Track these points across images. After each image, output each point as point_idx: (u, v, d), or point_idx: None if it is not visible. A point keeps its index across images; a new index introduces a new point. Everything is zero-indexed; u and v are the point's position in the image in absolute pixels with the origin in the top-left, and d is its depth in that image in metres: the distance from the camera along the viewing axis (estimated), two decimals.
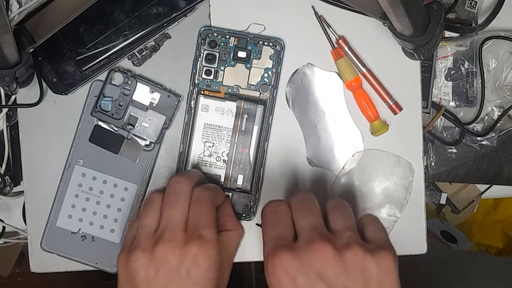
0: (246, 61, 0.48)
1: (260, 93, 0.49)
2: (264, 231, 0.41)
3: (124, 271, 0.40)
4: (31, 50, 0.42)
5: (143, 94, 0.48)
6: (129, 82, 0.48)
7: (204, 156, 0.49)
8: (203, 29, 0.48)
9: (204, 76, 0.48)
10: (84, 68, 0.47)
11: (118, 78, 0.48)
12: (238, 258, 0.50)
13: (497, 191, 0.65)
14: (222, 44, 0.48)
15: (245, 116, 0.48)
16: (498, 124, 0.58)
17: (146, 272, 0.38)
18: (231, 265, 0.43)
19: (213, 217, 0.41)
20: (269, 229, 0.40)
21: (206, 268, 0.38)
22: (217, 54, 0.48)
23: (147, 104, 0.48)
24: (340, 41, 0.49)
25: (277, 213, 0.41)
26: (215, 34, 0.48)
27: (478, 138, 0.59)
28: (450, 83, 0.58)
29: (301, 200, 0.41)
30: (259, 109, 0.48)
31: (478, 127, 0.59)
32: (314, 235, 0.37)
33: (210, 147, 0.49)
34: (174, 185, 0.42)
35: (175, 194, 0.41)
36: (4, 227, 0.58)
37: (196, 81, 0.48)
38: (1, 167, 0.51)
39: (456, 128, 0.59)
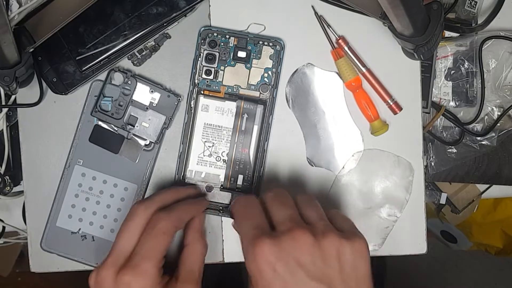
0: (246, 61, 0.48)
1: (260, 93, 0.49)
2: (240, 225, 0.42)
3: None
4: (31, 50, 0.42)
5: (143, 94, 0.48)
6: (129, 82, 0.48)
7: (204, 156, 0.49)
8: (203, 29, 0.48)
9: (204, 76, 0.48)
10: (84, 68, 0.47)
11: (118, 78, 0.48)
12: (238, 258, 0.50)
13: (497, 191, 0.65)
14: (222, 44, 0.48)
15: (245, 116, 0.48)
16: (498, 124, 0.58)
17: None
18: (196, 281, 0.44)
19: (159, 250, 0.41)
20: (245, 221, 0.41)
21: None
22: (217, 54, 0.48)
23: (147, 104, 0.48)
24: (340, 41, 0.49)
25: (250, 206, 0.42)
26: (215, 34, 0.48)
27: (478, 138, 0.59)
28: (450, 83, 0.58)
29: (275, 195, 0.42)
30: (259, 109, 0.48)
31: (478, 127, 0.59)
32: (292, 225, 0.38)
33: (210, 147, 0.49)
34: (129, 212, 0.43)
35: (125, 221, 0.42)
36: (4, 227, 0.58)
37: (196, 81, 0.48)
38: (1, 167, 0.51)
39: (456, 128, 0.59)
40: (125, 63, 0.49)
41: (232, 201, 0.48)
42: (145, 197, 0.49)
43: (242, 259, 0.50)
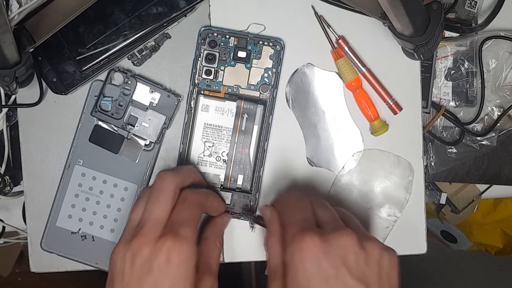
0: (246, 61, 0.48)
1: (260, 93, 0.49)
2: (290, 214, 0.42)
3: (109, 263, 0.41)
4: (31, 50, 0.42)
5: (143, 94, 0.48)
6: (129, 82, 0.48)
7: (204, 156, 0.49)
8: (203, 29, 0.48)
9: (204, 76, 0.48)
10: (84, 68, 0.47)
11: (118, 78, 0.48)
12: (238, 258, 0.50)
13: (497, 191, 0.65)
14: (222, 44, 0.48)
15: (245, 116, 0.48)
16: (498, 124, 0.58)
17: (122, 264, 0.39)
18: (215, 274, 0.43)
19: (195, 218, 0.42)
20: (296, 213, 0.42)
21: (178, 265, 0.38)
22: (217, 54, 0.48)
23: (147, 104, 0.48)
24: (340, 41, 0.49)
25: (303, 201, 0.43)
26: (215, 34, 0.48)
27: (478, 138, 0.59)
28: (450, 83, 0.58)
29: (318, 198, 0.44)
30: (259, 109, 0.48)
31: (478, 127, 0.59)
32: (338, 225, 0.40)
33: (210, 147, 0.49)
34: (158, 181, 0.42)
35: (157, 190, 0.42)
36: (4, 227, 0.58)
37: (196, 81, 0.48)
38: (1, 167, 0.51)
39: (456, 128, 0.59)
40: (125, 63, 0.49)
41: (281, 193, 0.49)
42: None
43: (242, 259, 0.50)
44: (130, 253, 0.39)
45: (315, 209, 0.42)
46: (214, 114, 0.48)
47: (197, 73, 0.48)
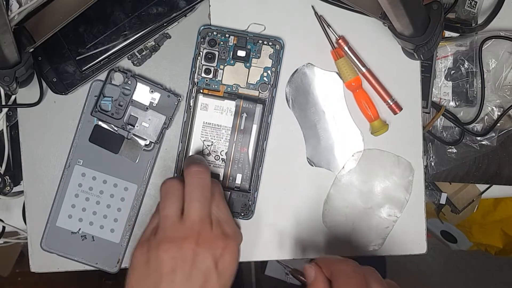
0: (246, 60, 0.48)
1: (260, 92, 0.49)
2: (341, 284, 0.40)
3: (146, 263, 0.40)
4: (31, 50, 0.43)
5: (143, 94, 0.48)
6: (129, 82, 0.48)
7: (203, 155, 0.49)
8: (202, 27, 0.48)
9: (203, 75, 0.48)
10: (84, 68, 0.47)
11: (118, 78, 0.48)
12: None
13: (497, 191, 0.65)
14: (221, 43, 0.48)
15: (244, 115, 0.48)
16: (498, 124, 0.58)
17: (174, 263, 0.39)
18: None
19: (230, 212, 0.44)
20: (350, 285, 0.39)
21: (231, 262, 0.40)
22: (216, 53, 0.48)
23: (147, 104, 0.48)
24: (340, 41, 0.49)
25: (359, 274, 0.40)
26: (214, 33, 0.48)
27: (478, 138, 0.59)
28: (450, 83, 0.58)
29: (372, 270, 0.42)
30: (258, 108, 0.48)
31: (478, 127, 0.59)
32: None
33: (209, 146, 0.49)
34: (197, 176, 0.42)
35: (199, 187, 0.41)
36: (4, 227, 0.58)
37: (196, 80, 0.48)
38: (1, 167, 0.51)
39: (456, 128, 0.59)
40: (125, 63, 0.49)
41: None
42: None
43: (242, 259, 0.50)
44: (183, 252, 0.39)
45: (369, 283, 0.39)
46: (213, 113, 0.48)
47: (197, 72, 0.48)
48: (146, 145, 0.49)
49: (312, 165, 0.50)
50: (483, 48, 0.56)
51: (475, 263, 1.37)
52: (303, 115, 0.50)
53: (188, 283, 0.39)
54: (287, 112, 0.50)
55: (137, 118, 0.48)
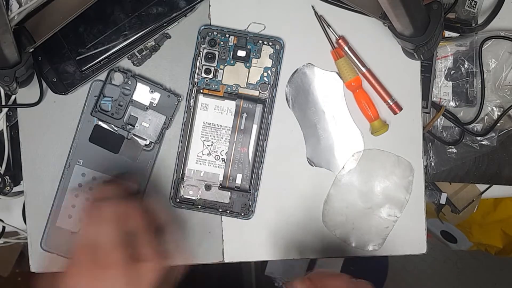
0: (246, 60, 0.48)
1: (260, 92, 0.49)
2: None
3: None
4: (31, 50, 0.43)
5: (143, 94, 0.48)
6: (129, 82, 0.48)
7: (203, 155, 0.49)
8: (202, 27, 0.48)
9: (203, 75, 0.48)
10: (84, 68, 0.47)
11: (118, 78, 0.48)
12: (238, 258, 0.50)
13: (497, 191, 0.65)
14: (221, 43, 0.48)
15: (244, 115, 0.48)
16: (498, 124, 0.58)
17: None
18: None
19: (148, 231, 0.41)
20: None
21: None
22: (216, 53, 0.48)
23: (147, 104, 0.48)
24: (340, 41, 0.49)
25: None
26: (214, 33, 0.48)
27: (478, 138, 0.59)
28: (450, 83, 0.58)
29: (363, 282, 0.43)
30: (258, 108, 0.48)
31: (478, 127, 0.59)
32: None
33: (209, 146, 0.49)
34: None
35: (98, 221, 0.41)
36: (4, 227, 0.58)
37: (196, 80, 0.48)
38: (1, 167, 0.51)
39: (456, 128, 0.59)
40: (125, 63, 0.49)
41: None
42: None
43: (242, 259, 0.50)
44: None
45: None
46: (213, 113, 0.48)
47: (197, 72, 0.48)
48: (146, 145, 0.49)
49: (312, 165, 0.50)
50: (483, 48, 0.56)
51: (475, 263, 1.37)
52: (303, 115, 0.50)
53: None
54: (287, 112, 0.50)
55: (137, 118, 0.48)
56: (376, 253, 0.51)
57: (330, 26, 0.49)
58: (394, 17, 0.41)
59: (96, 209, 0.41)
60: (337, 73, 0.50)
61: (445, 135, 0.59)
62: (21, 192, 0.54)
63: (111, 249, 0.39)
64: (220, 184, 0.49)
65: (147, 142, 0.49)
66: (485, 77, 0.57)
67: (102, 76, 0.48)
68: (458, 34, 0.58)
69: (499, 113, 0.58)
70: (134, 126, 0.48)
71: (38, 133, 0.49)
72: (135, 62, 0.49)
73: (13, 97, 0.50)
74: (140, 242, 0.41)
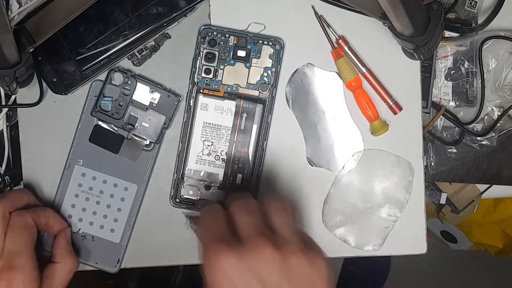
0: (246, 60, 0.48)
1: (260, 92, 0.49)
2: (202, 232, 0.40)
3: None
4: (31, 50, 0.43)
5: (143, 94, 0.48)
6: (129, 82, 0.48)
7: (203, 155, 0.49)
8: (202, 27, 0.48)
9: (203, 75, 0.48)
10: (84, 68, 0.47)
11: (118, 78, 0.48)
12: None
13: (497, 191, 0.65)
14: (221, 43, 0.48)
15: (244, 115, 0.48)
16: (498, 124, 0.58)
17: None
18: None
19: (28, 242, 0.42)
20: (206, 229, 0.39)
21: None
22: (216, 53, 0.48)
23: (147, 104, 0.48)
24: (340, 41, 0.49)
25: (213, 212, 0.40)
26: (214, 33, 0.48)
27: (478, 138, 0.59)
28: (450, 83, 0.58)
29: (240, 199, 0.40)
30: (258, 108, 0.48)
31: (478, 127, 0.59)
32: (257, 236, 0.36)
33: (209, 146, 0.49)
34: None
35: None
36: None
37: (196, 80, 0.48)
38: (1, 167, 0.51)
39: (456, 128, 0.59)
40: (125, 63, 0.49)
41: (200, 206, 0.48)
42: None
43: None
44: None
45: (234, 215, 0.39)
46: (213, 113, 0.48)
47: (197, 72, 0.48)
48: (146, 145, 0.49)
49: (312, 165, 0.50)
50: (483, 48, 0.56)
51: (475, 263, 1.37)
52: (303, 115, 0.50)
53: None
54: (287, 112, 0.50)
55: (137, 118, 0.48)
56: (376, 253, 0.51)
57: (330, 26, 0.49)
58: (394, 17, 0.41)
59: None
60: (337, 73, 0.50)
61: (445, 135, 0.59)
62: None
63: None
64: (220, 184, 0.49)
65: (147, 142, 0.49)
66: (485, 77, 0.57)
67: (102, 76, 0.48)
68: (458, 34, 0.58)
69: (499, 113, 0.58)
70: (134, 126, 0.48)
71: (38, 133, 0.49)
72: (135, 62, 0.49)
73: (13, 97, 0.50)
74: (56, 244, 0.45)
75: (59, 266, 0.44)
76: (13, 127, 0.51)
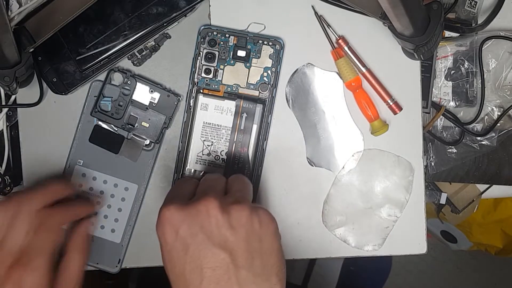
0: (246, 60, 0.48)
1: (260, 92, 0.49)
2: (166, 196, 0.43)
3: None
4: (31, 50, 0.43)
5: (142, 93, 0.48)
6: (128, 82, 0.48)
7: (203, 154, 0.49)
8: (202, 27, 0.48)
9: (203, 74, 0.48)
10: (84, 68, 0.47)
11: (117, 78, 0.48)
12: None
13: (497, 191, 0.65)
14: (221, 43, 0.48)
15: (244, 115, 0.48)
16: (498, 124, 0.58)
17: None
18: None
19: (51, 243, 0.41)
20: (170, 192, 0.43)
21: None
22: (216, 53, 0.48)
23: (147, 104, 0.48)
24: (340, 41, 0.49)
25: (184, 181, 0.44)
26: (214, 33, 0.48)
27: (478, 138, 0.59)
28: (450, 83, 0.58)
29: (210, 175, 0.44)
30: (258, 108, 0.48)
31: (478, 127, 0.59)
32: (207, 195, 0.38)
33: (209, 145, 0.49)
34: (14, 205, 0.41)
35: (12, 216, 0.40)
36: None
37: (196, 79, 0.48)
38: (1, 167, 0.51)
39: (456, 128, 0.59)
40: (125, 63, 0.49)
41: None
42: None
43: None
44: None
45: (198, 185, 0.42)
46: (213, 113, 0.48)
47: (197, 72, 0.48)
48: (146, 145, 0.49)
49: (312, 165, 0.50)
50: (483, 48, 0.56)
51: (475, 263, 1.37)
52: (303, 115, 0.50)
53: None
54: (287, 112, 0.50)
55: (137, 118, 0.48)
56: (376, 253, 0.51)
57: (330, 26, 0.49)
58: (394, 17, 0.41)
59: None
60: (337, 73, 0.50)
61: (445, 135, 0.59)
62: None
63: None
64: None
65: (147, 142, 0.49)
66: (485, 77, 0.57)
67: (102, 76, 0.48)
68: (458, 34, 0.58)
69: (499, 113, 0.58)
70: (134, 126, 0.48)
71: (38, 133, 0.49)
72: (135, 62, 0.49)
73: (13, 97, 0.50)
74: (74, 235, 0.45)
75: (71, 257, 0.44)
76: (13, 127, 0.51)
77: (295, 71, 0.50)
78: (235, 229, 0.36)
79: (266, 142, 0.49)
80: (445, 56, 0.58)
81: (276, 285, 0.36)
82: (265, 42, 0.48)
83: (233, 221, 0.37)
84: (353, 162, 0.50)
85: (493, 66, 0.57)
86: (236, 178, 0.43)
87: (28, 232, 0.40)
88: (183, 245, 0.36)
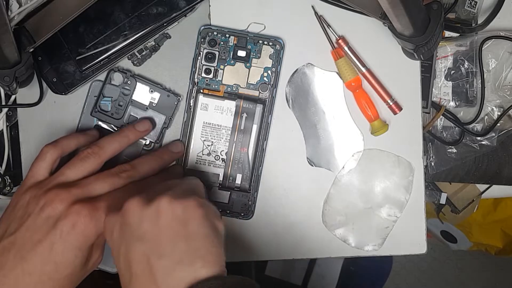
0: (246, 60, 0.48)
1: (260, 92, 0.49)
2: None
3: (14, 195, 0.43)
4: (31, 50, 0.43)
5: (142, 93, 0.48)
6: (128, 82, 0.48)
7: (203, 154, 0.49)
8: (203, 27, 0.48)
9: (203, 75, 0.48)
10: (84, 68, 0.47)
11: (117, 78, 0.48)
12: (238, 258, 0.50)
13: (497, 191, 0.65)
14: (222, 43, 0.48)
15: (244, 115, 0.48)
16: (498, 124, 0.58)
17: (30, 205, 0.41)
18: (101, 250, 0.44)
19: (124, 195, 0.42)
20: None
21: (79, 235, 0.40)
22: (216, 53, 0.48)
23: (147, 103, 0.48)
24: (340, 41, 0.49)
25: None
26: (215, 33, 0.48)
27: (478, 138, 0.59)
28: (450, 83, 0.58)
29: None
30: (258, 108, 0.48)
31: (478, 127, 0.59)
32: (130, 196, 0.39)
33: (209, 145, 0.49)
34: (41, 152, 0.43)
35: (37, 160, 0.43)
36: None
37: (196, 79, 0.48)
38: (1, 167, 0.51)
39: (456, 128, 0.59)
40: (125, 63, 0.49)
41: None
42: None
43: (242, 259, 0.50)
44: (44, 199, 0.40)
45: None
46: (213, 113, 0.48)
47: (197, 72, 0.48)
48: (146, 145, 0.49)
49: (312, 165, 0.50)
50: (483, 48, 0.56)
51: (475, 263, 1.37)
52: (303, 115, 0.50)
53: (34, 230, 0.40)
54: (287, 112, 0.50)
55: (137, 118, 0.48)
56: (376, 253, 0.51)
57: (330, 26, 0.49)
58: (394, 17, 0.41)
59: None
60: (337, 73, 0.50)
61: (445, 135, 0.59)
62: None
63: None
64: (220, 184, 0.49)
65: (147, 142, 0.49)
66: (485, 77, 0.57)
67: (102, 76, 0.48)
68: (458, 34, 0.58)
69: (499, 113, 0.58)
70: None
71: (38, 133, 0.49)
72: (135, 62, 0.49)
73: (13, 97, 0.50)
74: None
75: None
76: (13, 127, 0.51)
77: (295, 71, 0.50)
78: (155, 219, 0.37)
79: (266, 142, 0.49)
80: (445, 56, 0.58)
81: (202, 268, 0.35)
82: (265, 42, 0.48)
83: (152, 212, 0.37)
84: (353, 162, 0.50)
85: (493, 66, 0.57)
86: (159, 176, 0.45)
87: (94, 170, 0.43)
88: (117, 246, 0.38)
